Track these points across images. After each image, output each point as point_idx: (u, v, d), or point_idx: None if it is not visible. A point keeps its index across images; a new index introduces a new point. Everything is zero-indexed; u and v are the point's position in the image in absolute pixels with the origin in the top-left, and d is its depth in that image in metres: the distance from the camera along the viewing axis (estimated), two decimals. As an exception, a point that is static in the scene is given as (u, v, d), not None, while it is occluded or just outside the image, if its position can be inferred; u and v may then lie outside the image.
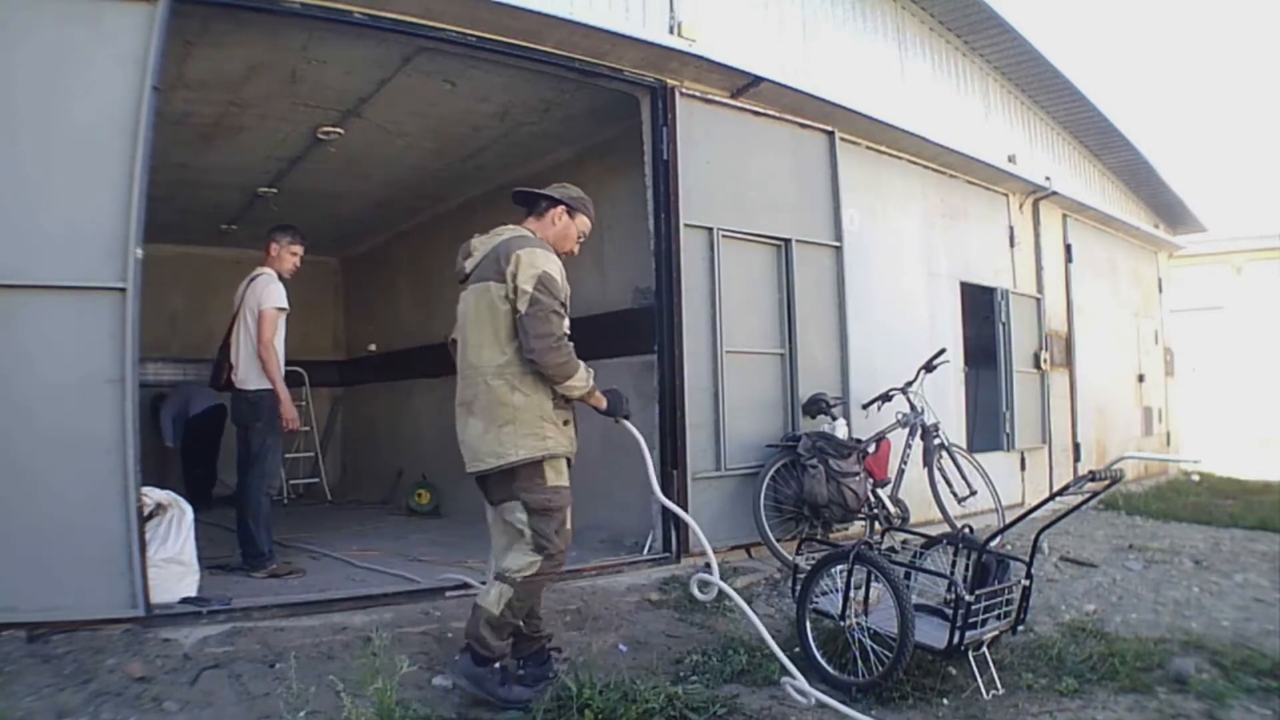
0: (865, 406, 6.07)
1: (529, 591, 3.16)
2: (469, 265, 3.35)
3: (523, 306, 3.09)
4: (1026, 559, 3.50)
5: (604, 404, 3.39)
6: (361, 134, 6.20)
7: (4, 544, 3.26)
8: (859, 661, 3.32)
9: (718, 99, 5.51)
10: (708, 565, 3.56)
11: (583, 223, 3.49)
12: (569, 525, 3.26)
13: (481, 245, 3.36)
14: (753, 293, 5.63)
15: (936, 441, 5.94)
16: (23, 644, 3.19)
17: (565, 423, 3.24)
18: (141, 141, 3.54)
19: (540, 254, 3.19)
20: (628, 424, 3.55)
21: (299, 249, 5.52)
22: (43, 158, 3.44)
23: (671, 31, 5.24)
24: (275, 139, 6.31)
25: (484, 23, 4.49)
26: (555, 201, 3.44)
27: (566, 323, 3.18)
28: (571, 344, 3.16)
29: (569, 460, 3.27)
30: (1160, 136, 37.62)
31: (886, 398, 6.01)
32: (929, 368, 6.10)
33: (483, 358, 3.17)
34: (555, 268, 3.20)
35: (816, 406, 5.65)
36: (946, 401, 6.93)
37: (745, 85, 5.49)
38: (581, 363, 3.20)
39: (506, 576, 3.12)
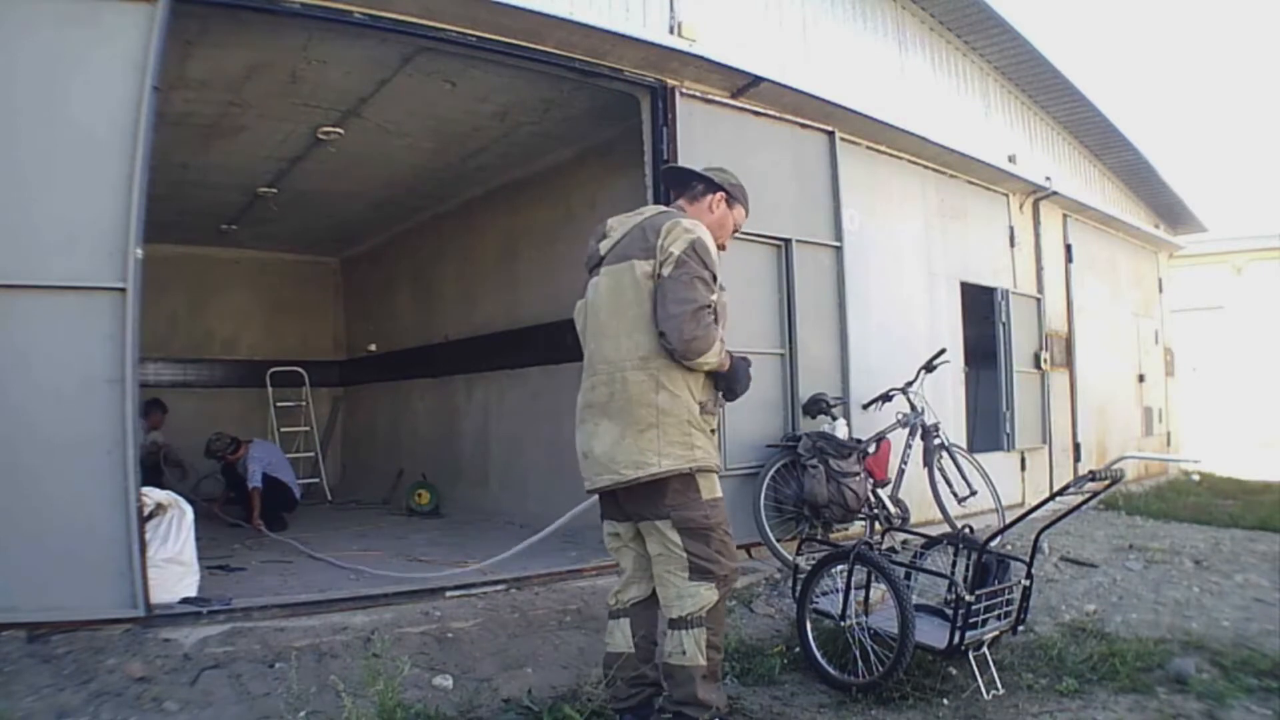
0: (865, 406, 6.06)
1: (717, 619, 2.77)
2: (605, 246, 2.88)
3: (666, 270, 2.68)
4: (1027, 559, 3.50)
5: (726, 367, 2.81)
6: (361, 134, 6.20)
7: (4, 544, 3.26)
8: (859, 661, 3.32)
9: (718, 99, 5.50)
10: None
11: (740, 214, 3.13)
12: (731, 540, 2.83)
13: (621, 224, 2.91)
14: (753, 293, 5.62)
15: (936, 441, 5.94)
16: (23, 644, 3.19)
17: (712, 431, 2.83)
18: (141, 141, 3.54)
19: (701, 227, 2.80)
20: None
21: None
22: (42, 158, 3.43)
23: (672, 31, 5.24)
24: (275, 139, 6.32)
25: (484, 23, 4.48)
26: (714, 186, 3.05)
27: (714, 296, 2.73)
28: (713, 316, 2.70)
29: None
30: (1160, 136, 37.66)
31: (887, 398, 6.01)
32: (929, 368, 6.10)
33: (621, 349, 2.72)
34: (712, 243, 2.79)
35: (816, 406, 5.64)
36: (946, 401, 6.93)
37: (745, 85, 5.49)
38: (719, 335, 2.74)
39: (689, 620, 2.71)
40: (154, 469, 7.53)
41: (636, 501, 2.76)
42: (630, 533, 2.89)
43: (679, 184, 3.11)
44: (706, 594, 2.71)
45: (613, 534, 2.97)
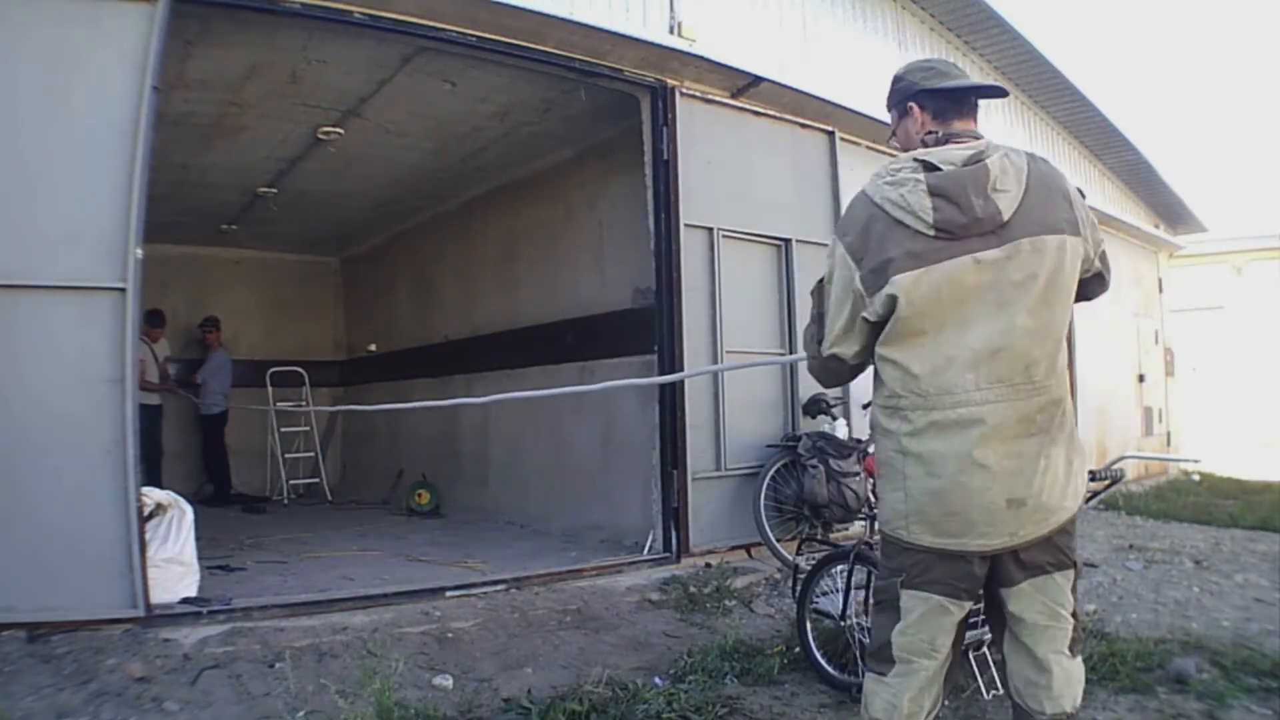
0: (865, 406, 6.06)
1: None
2: (1008, 204, 1.93)
3: (1100, 266, 2.11)
4: (1027, 559, 3.49)
5: None
6: (361, 134, 6.20)
7: (4, 544, 3.26)
8: (859, 661, 3.32)
9: (718, 99, 5.51)
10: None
11: None
12: None
13: (1004, 169, 1.96)
14: (753, 293, 5.63)
15: (937, 441, 5.93)
16: (23, 644, 3.19)
17: None
18: (141, 141, 3.54)
19: None
20: None
21: None
22: (42, 158, 3.43)
23: (671, 31, 5.24)
24: (275, 139, 6.32)
25: (484, 23, 4.49)
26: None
27: None
28: None
29: None
30: (1160, 136, 37.65)
31: (887, 398, 6.00)
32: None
33: (1058, 363, 1.99)
34: None
35: (816, 406, 5.65)
36: (946, 401, 6.92)
37: (745, 85, 5.49)
38: None
39: (1077, 716, 2.05)
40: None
41: (1040, 548, 1.99)
42: (964, 612, 2.04)
43: (975, 104, 2.20)
44: (1081, 672, 2.09)
45: (942, 611, 2.00)
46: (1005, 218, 1.93)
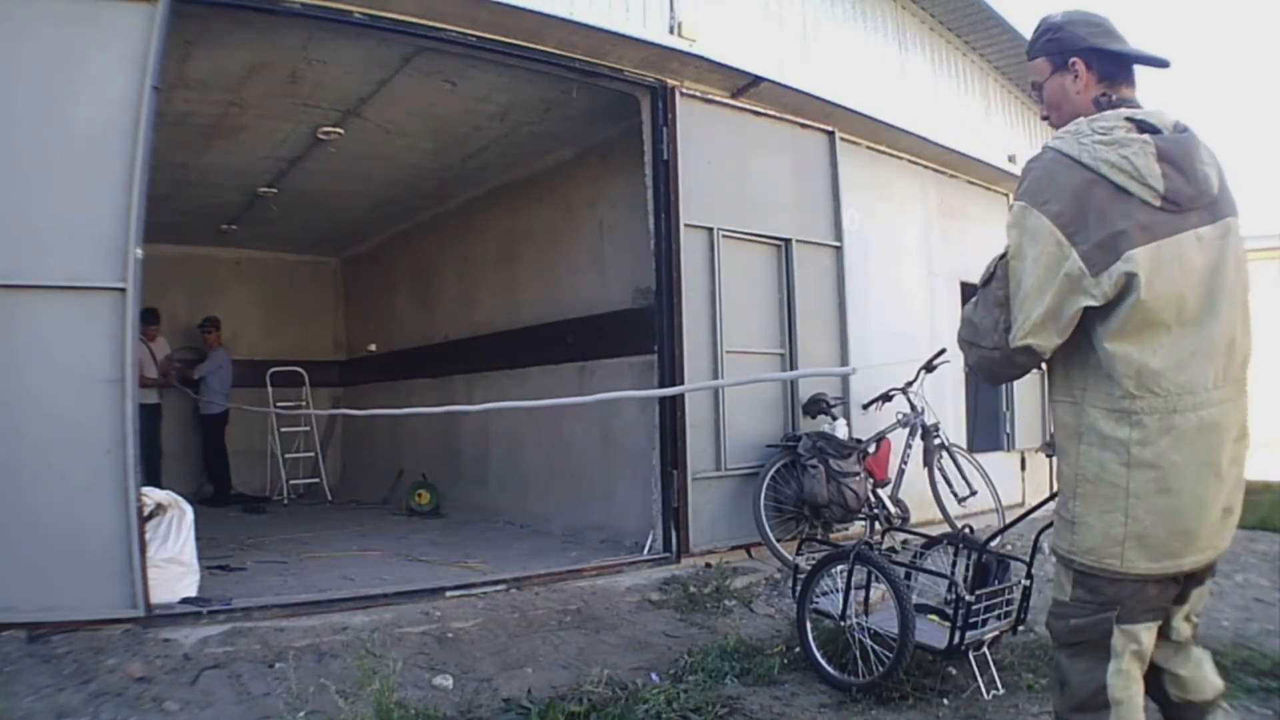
0: (865, 406, 6.06)
1: None
2: (1216, 178, 1.79)
3: None
4: (1027, 559, 3.49)
5: None
6: (361, 134, 6.20)
7: (4, 544, 3.26)
8: (859, 661, 3.32)
9: (718, 99, 5.51)
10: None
11: None
12: None
13: (1202, 147, 1.80)
14: (753, 293, 5.63)
15: (936, 441, 5.94)
16: (23, 644, 3.19)
17: None
18: (141, 142, 3.54)
19: None
20: None
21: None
22: (43, 158, 3.44)
23: (671, 31, 5.23)
24: (275, 139, 6.32)
25: (484, 23, 4.49)
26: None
27: None
28: None
29: None
30: (1160, 136, 37.57)
31: (887, 398, 6.01)
32: (929, 368, 6.09)
33: (1249, 361, 1.85)
34: None
35: (816, 406, 5.65)
36: (946, 401, 6.93)
37: (745, 85, 5.49)
38: None
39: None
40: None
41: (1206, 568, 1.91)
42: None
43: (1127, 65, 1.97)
44: None
45: (1149, 638, 1.83)
46: (1216, 192, 1.75)
